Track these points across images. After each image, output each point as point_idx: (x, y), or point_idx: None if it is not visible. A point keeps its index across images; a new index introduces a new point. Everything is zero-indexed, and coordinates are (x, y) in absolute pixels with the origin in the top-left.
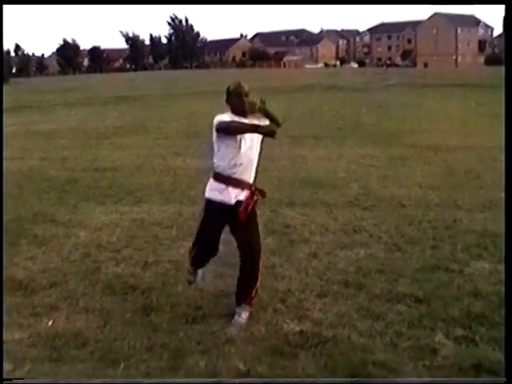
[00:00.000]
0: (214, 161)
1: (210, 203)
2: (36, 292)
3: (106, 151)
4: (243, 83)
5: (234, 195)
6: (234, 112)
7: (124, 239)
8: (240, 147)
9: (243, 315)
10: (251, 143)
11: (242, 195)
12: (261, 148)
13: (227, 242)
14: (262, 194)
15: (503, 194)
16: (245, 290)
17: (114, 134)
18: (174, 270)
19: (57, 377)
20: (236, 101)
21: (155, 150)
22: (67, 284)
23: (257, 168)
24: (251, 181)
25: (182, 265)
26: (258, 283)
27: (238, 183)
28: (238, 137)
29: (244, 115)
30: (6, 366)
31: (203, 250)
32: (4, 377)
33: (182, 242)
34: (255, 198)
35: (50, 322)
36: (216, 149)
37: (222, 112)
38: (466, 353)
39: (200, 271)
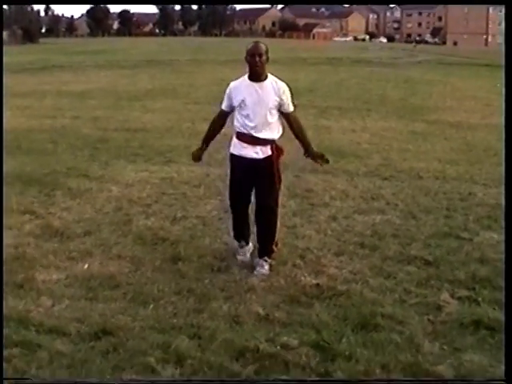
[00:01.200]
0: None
1: (232, 157)
2: (71, 239)
3: (136, 113)
4: (261, 44)
5: (253, 151)
6: (250, 72)
7: (154, 195)
8: (243, 110)
9: (265, 266)
10: (258, 107)
11: (259, 150)
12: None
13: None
14: (280, 150)
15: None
16: (264, 244)
17: (144, 96)
18: (201, 225)
19: (91, 313)
20: (250, 61)
21: (185, 114)
22: (100, 233)
23: (279, 125)
24: (270, 137)
25: (209, 220)
26: (277, 238)
27: (255, 140)
28: (237, 103)
29: (258, 78)
30: (46, 302)
31: (235, 208)
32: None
33: (208, 199)
34: (274, 153)
35: (86, 266)
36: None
37: None
38: (468, 311)
39: (249, 247)
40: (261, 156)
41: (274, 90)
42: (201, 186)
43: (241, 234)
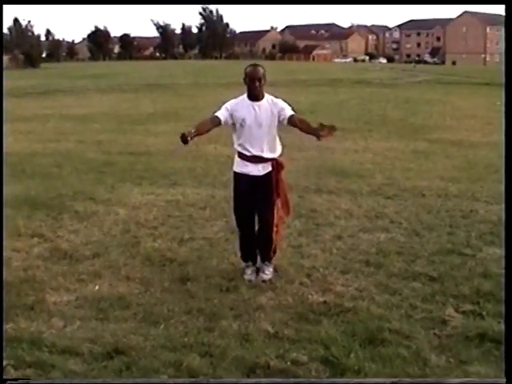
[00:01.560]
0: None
1: (235, 175)
2: (80, 261)
3: (139, 136)
4: (259, 68)
5: (255, 168)
6: (249, 94)
7: (161, 218)
8: (243, 130)
9: (266, 271)
10: (257, 125)
11: (261, 168)
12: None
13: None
14: (280, 166)
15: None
16: (264, 251)
17: (147, 120)
18: (208, 246)
19: (103, 333)
20: (250, 84)
21: None
22: (109, 255)
23: (277, 144)
24: (270, 156)
25: (215, 241)
26: (274, 244)
27: (257, 159)
28: (237, 122)
29: (256, 99)
30: (57, 323)
31: (242, 226)
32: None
33: (215, 221)
34: (275, 169)
35: (96, 287)
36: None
37: None
38: (473, 325)
39: (255, 267)
40: (262, 173)
41: (271, 106)
42: (206, 208)
43: (248, 254)
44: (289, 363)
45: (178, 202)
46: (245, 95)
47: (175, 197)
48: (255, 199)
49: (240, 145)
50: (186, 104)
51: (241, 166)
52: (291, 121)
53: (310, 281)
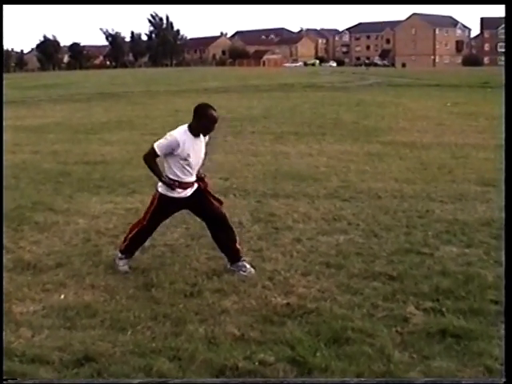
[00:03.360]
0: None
1: (163, 198)
2: (44, 271)
3: (95, 146)
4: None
5: (190, 191)
6: (199, 132)
7: (121, 226)
8: (188, 163)
9: (244, 267)
10: (197, 158)
11: (192, 189)
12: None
13: None
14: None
15: (479, 188)
16: (232, 249)
17: (101, 129)
18: (169, 252)
19: (72, 341)
20: (210, 127)
21: (143, 145)
22: (72, 264)
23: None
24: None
25: (176, 248)
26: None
27: (192, 184)
28: (184, 158)
29: (199, 135)
30: (25, 333)
31: (146, 236)
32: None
33: (175, 228)
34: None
35: (62, 296)
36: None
37: None
38: (434, 321)
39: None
40: (192, 191)
41: (204, 140)
42: None
43: (133, 254)
44: (257, 364)
45: (137, 210)
46: (186, 129)
47: (134, 205)
48: (199, 207)
49: (183, 175)
50: (140, 112)
51: (177, 193)
52: None
53: (273, 284)
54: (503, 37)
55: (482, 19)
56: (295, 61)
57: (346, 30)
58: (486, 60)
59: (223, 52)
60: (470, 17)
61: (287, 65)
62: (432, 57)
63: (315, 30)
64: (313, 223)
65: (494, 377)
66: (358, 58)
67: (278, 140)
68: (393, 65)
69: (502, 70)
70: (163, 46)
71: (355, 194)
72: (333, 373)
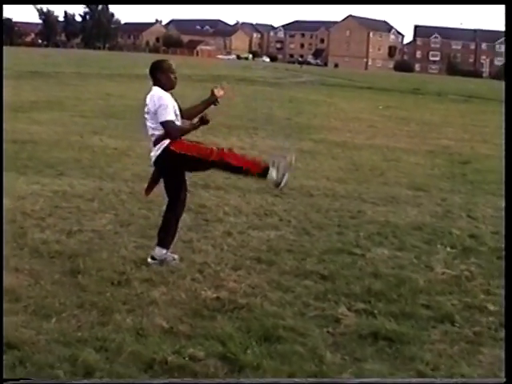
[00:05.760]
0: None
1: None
2: None
3: (23, 124)
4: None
5: None
6: (164, 87)
7: (47, 208)
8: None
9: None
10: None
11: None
12: None
13: (146, 216)
14: None
15: (410, 192)
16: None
17: (30, 108)
18: (97, 238)
19: None
20: (169, 77)
21: (72, 127)
22: None
23: None
24: None
25: (105, 234)
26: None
27: None
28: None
29: (171, 89)
30: None
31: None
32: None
33: (103, 213)
34: None
35: None
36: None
37: (138, 94)
38: (366, 323)
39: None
40: None
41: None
42: (94, 200)
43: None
44: (186, 359)
45: (64, 193)
46: (159, 88)
47: (62, 187)
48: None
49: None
50: (70, 93)
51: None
52: None
53: (203, 276)
54: (434, 45)
55: (415, 27)
56: (229, 53)
57: (282, 26)
58: (417, 67)
59: (157, 39)
60: (404, 23)
61: (220, 57)
62: (365, 59)
63: (251, 24)
64: (244, 217)
65: (389, 374)
66: (292, 56)
67: (208, 131)
68: (325, 64)
69: (433, 77)
70: (97, 28)
71: (287, 190)
72: (265, 372)
